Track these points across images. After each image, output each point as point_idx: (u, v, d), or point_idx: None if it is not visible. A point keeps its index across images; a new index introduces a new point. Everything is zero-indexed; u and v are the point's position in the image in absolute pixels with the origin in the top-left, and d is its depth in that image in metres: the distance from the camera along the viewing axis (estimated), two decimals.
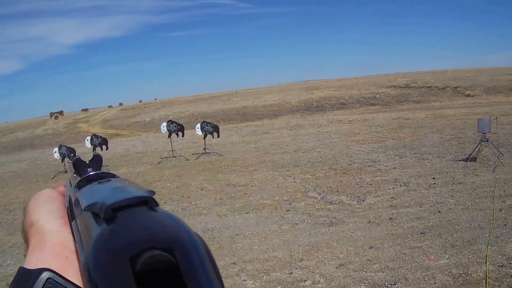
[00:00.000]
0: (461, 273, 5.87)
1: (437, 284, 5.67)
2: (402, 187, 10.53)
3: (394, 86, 52.86)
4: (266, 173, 13.65)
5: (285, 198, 10.48)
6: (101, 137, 19.19)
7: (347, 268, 6.46)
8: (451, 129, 19.53)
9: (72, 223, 0.50)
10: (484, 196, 9.11)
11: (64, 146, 17.96)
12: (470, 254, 6.42)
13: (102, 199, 0.40)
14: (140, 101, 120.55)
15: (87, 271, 0.34)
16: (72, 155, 16.52)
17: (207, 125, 18.76)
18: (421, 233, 7.52)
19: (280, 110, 44.52)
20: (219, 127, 19.84)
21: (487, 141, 12.16)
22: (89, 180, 0.61)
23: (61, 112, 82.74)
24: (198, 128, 18.67)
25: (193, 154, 19.47)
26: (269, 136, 24.35)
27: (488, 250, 6.44)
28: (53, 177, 17.80)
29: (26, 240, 0.71)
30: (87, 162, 0.78)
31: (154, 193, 0.43)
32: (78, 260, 0.66)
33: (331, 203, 9.84)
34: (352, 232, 7.92)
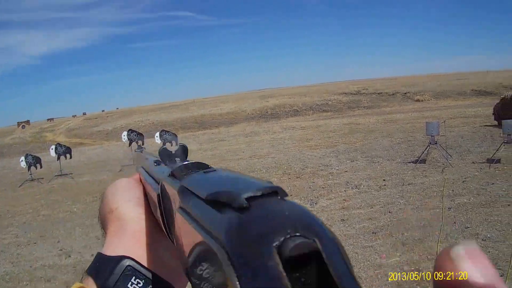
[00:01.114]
0: (412, 270, 6.03)
1: (389, 281, 5.81)
2: (354, 190, 10.76)
3: (345, 93, 53.79)
4: None
5: None
6: (65, 146, 19.69)
7: None
8: (401, 132, 20.08)
9: (178, 211, 0.49)
10: (434, 196, 9.39)
11: (30, 155, 18.42)
12: (421, 252, 6.61)
13: (228, 187, 0.41)
14: (103, 111, 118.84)
15: (226, 259, 0.33)
16: (37, 163, 17.76)
17: (166, 134, 19.02)
18: (372, 233, 7.71)
19: (236, 118, 44.89)
20: (178, 135, 20.20)
21: (436, 143, 12.56)
22: (188, 169, 0.59)
23: (27, 122, 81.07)
24: (157, 136, 18.82)
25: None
26: (225, 143, 24.73)
27: (439, 247, 6.66)
28: (20, 185, 17.61)
29: (104, 227, 0.75)
30: (173, 152, 0.78)
31: (273, 183, 0.41)
32: (159, 247, 0.70)
33: None
34: None
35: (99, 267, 0.63)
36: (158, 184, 0.65)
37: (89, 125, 58.66)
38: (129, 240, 0.67)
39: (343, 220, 8.62)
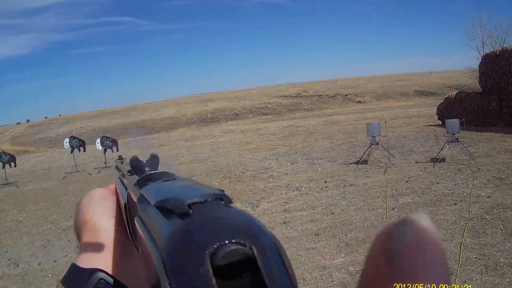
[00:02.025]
0: (357, 270, 5.96)
1: (334, 282, 5.77)
2: (295, 192, 10.73)
3: (285, 96, 54.79)
4: None
5: None
6: (9, 154, 19.63)
7: None
8: (342, 134, 20.32)
9: (135, 219, 0.49)
10: (377, 196, 9.41)
11: None
12: (365, 252, 6.47)
13: (174, 195, 0.41)
14: (46, 117, 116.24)
15: (161, 265, 0.34)
16: None
17: (106, 140, 19.55)
18: (315, 234, 7.65)
19: (176, 122, 45.57)
20: (118, 141, 20.33)
21: (377, 144, 12.62)
22: (152, 178, 0.62)
23: None
24: (98, 143, 19.45)
25: (95, 168, 20.03)
26: (166, 148, 24.86)
27: None
28: None
29: (79, 237, 0.76)
30: (144, 161, 0.80)
31: (223, 191, 0.43)
32: (131, 257, 0.71)
33: None
34: None
35: (73, 279, 0.63)
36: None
37: (33, 132, 58.53)
38: (103, 252, 0.68)
39: (285, 222, 8.56)
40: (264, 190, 11.34)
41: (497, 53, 17.72)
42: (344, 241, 7.12)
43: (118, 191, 0.81)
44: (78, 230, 0.76)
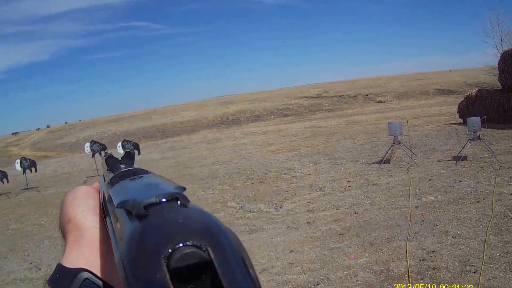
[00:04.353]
0: (382, 270, 5.99)
1: (359, 282, 5.77)
2: (318, 192, 10.77)
3: (306, 97, 54.50)
4: (186, 186, 13.60)
5: (205, 209, 10.46)
6: (30, 159, 19.71)
7: (270, 272, 6.51)
8: (364, 134, 20.25)
9: (106, 220, 0.52)
10: (400, 195, 9.41)
11: None
12: (390, 251, 6.57)
13: (134, 196, 0.42)
14: (66, 123, 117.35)
15: (121, 268, 0.35)
16: (4, 178, 17.91)
17: (127, 144, 19.37)
18: (339, 234, 7.66)
19: (197, 125, 45.64)
20: (140, 144, 20.54)
21: (399, 143, 12.61)
22: (122, 176, 0.63)
23: None
24: (119, 146, 19.32)
25: None
26: (187, 151, 24.91)
27: (408, 245, 6.63)
28: None
29: (63, 236, 0.76)
30: (120, 158, 0.81)
31: (184, 189, 0.45)
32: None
33: (249, 211, 10.02)
34: (272, 238, 8.03)
35: (58, 279, 0.63)
36: None
37: (53, 137, 59.40)
38: (87, 251, 0.67)
39: (309, 222, 8.59)
40: (287, 191, 11.37)
41: None
42: (369, 241, 7.12)
43: (100, 189, 0.81)
44: (62, 228, 0.77)
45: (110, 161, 0.80)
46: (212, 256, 0.34)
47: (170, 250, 0.33)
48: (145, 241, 0.35)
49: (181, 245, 0.34)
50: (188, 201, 0.42)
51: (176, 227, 0.36)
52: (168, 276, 0.32)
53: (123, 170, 0.67)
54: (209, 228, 0.37)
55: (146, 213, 0.38)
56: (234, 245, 0.36)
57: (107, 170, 0.79)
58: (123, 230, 0.40)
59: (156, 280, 0.32)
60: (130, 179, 0.59)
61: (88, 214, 0.73)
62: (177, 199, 0.41)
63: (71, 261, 0.65)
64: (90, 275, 0.63)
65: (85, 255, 0.66)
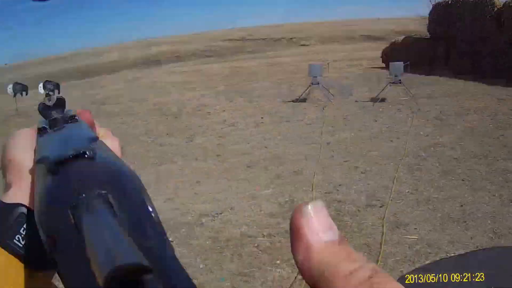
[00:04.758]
0: (287, 201, 5.97)
1: (262, 211, 5.75)
2: (230, 127, 10.73)
3: (230, 40, 54.40)
4: (101, 123, 13.42)
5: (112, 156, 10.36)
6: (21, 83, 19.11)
7: (174, 201, 6.50)
8: (283, 74, 20.31)
9: (34, 172, 0.54)
10: (312, 132, 9.40)
11: None
12: (296, 184, 6.54)
13: (50, 151, 0.46)
14: None
15: (38, 222, 0.38)
16: None
17: (49, 84, 18.95)
18: (247, 166, 7.63)
19: (119, 66, 45.12)
20: (61, 85, 20.11)
21: (318, 84, 12.48)
22: (50, 126, 0.65)
23: None
24: (40, 87, 18.59)
25: (35, 110, 20.45)
26: (106, 89, 24.52)
27: (315, 179, 6.56)
28: None
29: (4, 176, 0.73)
30: (51, 105, 0.80)
31: (97, 138, 0.50)
32: None
33: (160, 145, 10.07)
34: (180, 170, 8.03)
35: None
36: None
37: None
38: (26, 189, 0.65)
39: (218, 155, 8.58)
40: (200, 126, 11.36)
41: (450, 2, 17.73)
42: (276, 173, 7.10)
43: None
44: (4, 168, 0.72)
45: (43, 109, 0.79)
46: (111, 201, 0.35)
47: (74, 202, 0.34)
48: (53, 195, 0.37)
49: (83, 194, 0.35)
50: (95, 153, 0.42)
51: (81, 179, 0.37)
52: (74, 226, 0.33)
53: (54, 118, 0.69)
54: (110, 177, 0.38)
55: (57, 169, 0.40)
56: (134, 189, 0.37)
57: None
58: (37, 185, 0.43)
59: (64, 231, 0.34)
60: (54, 130, 0.62)
61: (27, 154, 0.69)
62: (84, 153, 0.41)
63: (10, 197, 0.63)
64: (26, 210, 0.61)
65: (23, 192, 0.64)
